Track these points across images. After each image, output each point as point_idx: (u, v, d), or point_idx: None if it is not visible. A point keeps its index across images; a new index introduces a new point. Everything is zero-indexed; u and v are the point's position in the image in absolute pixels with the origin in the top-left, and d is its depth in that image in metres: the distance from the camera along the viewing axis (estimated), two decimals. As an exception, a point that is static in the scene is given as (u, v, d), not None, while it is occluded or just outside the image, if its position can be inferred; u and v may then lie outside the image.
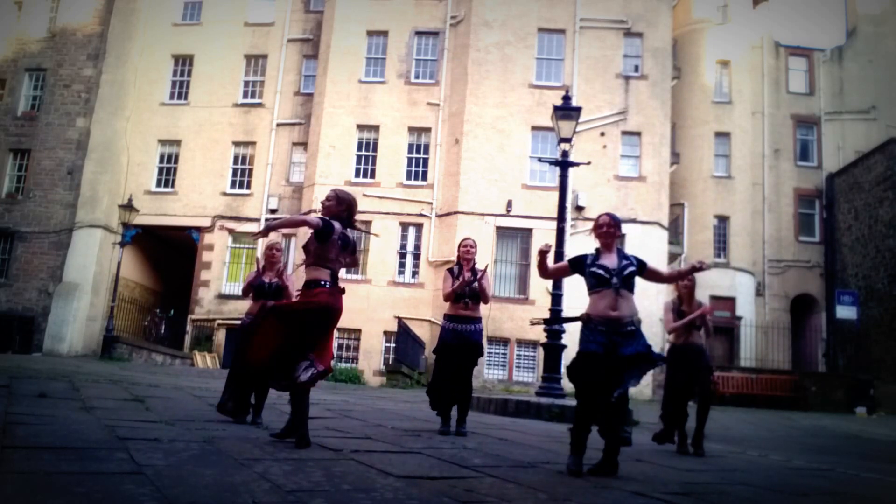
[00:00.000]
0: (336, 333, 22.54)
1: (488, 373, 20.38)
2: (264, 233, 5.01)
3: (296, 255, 21.57)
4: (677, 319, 6.58)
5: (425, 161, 22.46)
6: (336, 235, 4.66)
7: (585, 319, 4.53)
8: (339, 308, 4.66)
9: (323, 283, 4.59)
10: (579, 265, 4.69)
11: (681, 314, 6.60)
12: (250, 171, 23.84)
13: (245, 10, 24.99)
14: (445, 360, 6.48)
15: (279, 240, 19.67)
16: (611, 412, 4.36)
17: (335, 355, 21.04)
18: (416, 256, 21.93)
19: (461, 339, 6.43)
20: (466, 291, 6.46)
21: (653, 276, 4.85)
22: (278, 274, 6.44)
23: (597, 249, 4.71)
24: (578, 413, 4.47)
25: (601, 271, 4.53)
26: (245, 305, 6.75)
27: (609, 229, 4.67)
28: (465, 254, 6.61)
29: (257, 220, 23.02)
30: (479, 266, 6.67)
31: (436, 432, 6.27)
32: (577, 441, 4.40)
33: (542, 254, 4.76)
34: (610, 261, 4.57)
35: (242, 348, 5.38)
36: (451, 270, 6.63)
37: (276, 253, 6.59)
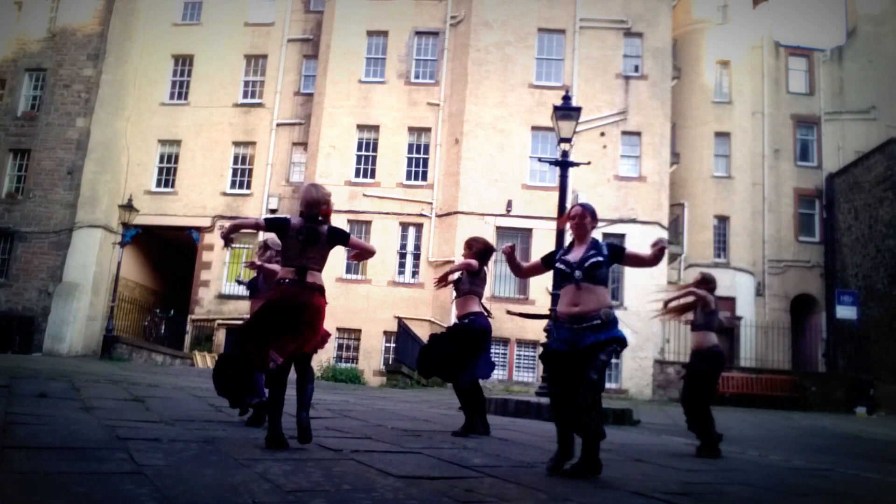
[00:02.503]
0: (336, 333, 22.33)
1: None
2: (225, 243, 4.91)
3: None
4: (696, 321, 6.50)
5: (425, 161, 22.46)
6: (292, 232, 4.58)
7: (553, 316, 4.44)
8: (302, 302, 4.51)
9: (282, 281, 4.57)
10: (550, 261, 4.53)
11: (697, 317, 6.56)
12: (250, 171, 23.86)
13: (245, 10, 25.00)
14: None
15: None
16: (579, 408, 4.19)
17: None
18: (416, 256, 21.94)
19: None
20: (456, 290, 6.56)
21: (634, 261, 4.58)
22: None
23: (571, 242, 4.51)
24: (552, 411, 4.38)
25: (563, 266, 4.34)
26: (245, 306, 6.76)
27: (580, 220, 4.42)
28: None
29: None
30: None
31: (436, 432, 6.27)
32: (559, 439, 4.30)
33: (508, 254, 4.66)
34: (576, 254, 4.36)
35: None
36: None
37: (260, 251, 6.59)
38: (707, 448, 6.17)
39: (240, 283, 6.89)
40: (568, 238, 4.89)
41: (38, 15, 24.74)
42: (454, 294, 6.57)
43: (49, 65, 24.12)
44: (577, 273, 4.27)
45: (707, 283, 6.62)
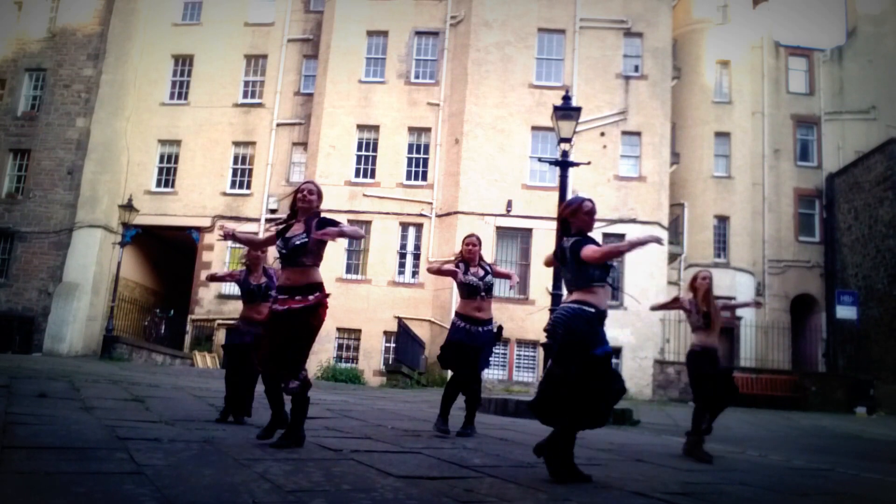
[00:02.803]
0: (336, 333, 22.31)
1: (488, 373, 20.38)
2: (356, 234, 4.71)
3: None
4: (695, 318, 6.47)
5: (425, 161, 22.46)
6: None
7: (601, 316, 4.09)
8: None
9: (321, 286, 4.57)
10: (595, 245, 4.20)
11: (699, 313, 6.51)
12: (250, 171, 23.85)
13: (245, 10, 24.99)
14: (457, 357, 6.29)
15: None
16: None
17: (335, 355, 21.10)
18: (416, 256, 21.93)
19: (473, 339, 6.23)
20: (481, 286, 6.28)
21: None
22: (265, 272, 6.30)
23: (587, 237, 4.24)
24: (584, 416, 4.05)
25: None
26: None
27: (593, 217, 4.32)
28: (468, 253, 6.39)
29: (257, 220, 23.02)
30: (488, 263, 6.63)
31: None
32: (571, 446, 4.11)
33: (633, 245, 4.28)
34: None
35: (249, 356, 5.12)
36: (458, 265, 6.41)
37: (258, 254, 6.32)
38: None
39: (216, 279, 6.79)
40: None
41: (38, 15, 24.73)
42: (485, 294, 6.36)
43: (49, 65, 24.10)
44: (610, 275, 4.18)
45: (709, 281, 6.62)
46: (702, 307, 6.37)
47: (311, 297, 4.46)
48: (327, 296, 4.56)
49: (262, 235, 21.00)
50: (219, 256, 23.19)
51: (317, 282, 4.53)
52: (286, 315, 4.45)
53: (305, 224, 4.57)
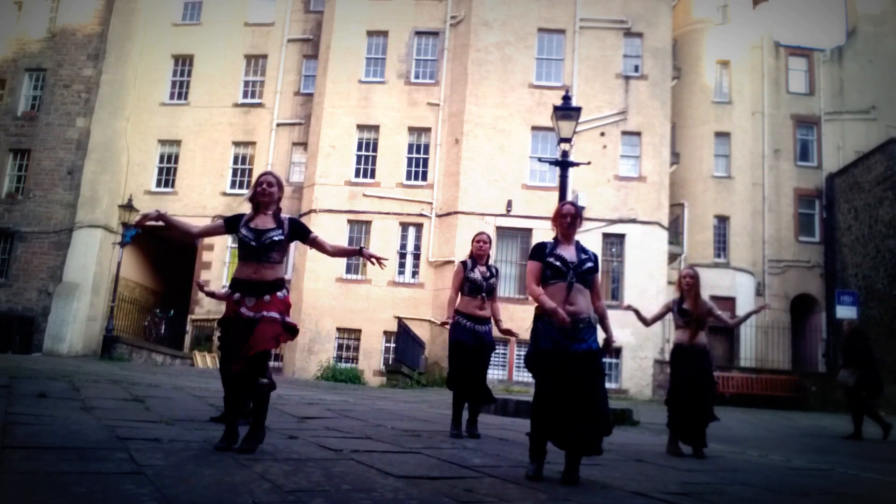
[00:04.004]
0: (336, 333, 22.21)
1: (488, 373, 20.33)
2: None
3: (296, 254, 21.57)
4: (678, 318, 6.56)
5: (425, 161, 22.46)
6: None
7: (538, 315, 4.26)
8: None
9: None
10: (538, 254, 4.40)
11: (682, 312, 6.55)
12: (250, 171, 23.85)
13: (245, 10, 25.00)
14: (462, 357, 6.32)
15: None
16: (573, 411, 4.08)
17: (336, 355, 21.10)
18: (416, 256, 21.93)
19: (478, 340, 6.30)
20: (484, 286, 6.33)
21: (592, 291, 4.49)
22: None
23: (555, 238, 4.46)
24: (535, 415, 4.19)
25: (558, 263, 4.27)
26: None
27: (572, 219, 4.42)
28: (479, 250, 6.45)
29: (257, 220, 23.00)
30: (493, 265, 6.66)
31: (436, 432, 6.27)
32: (534, 446, 4.16)
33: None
34: (568, 253, 4.34)
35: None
36: (464, 263, 6.50)
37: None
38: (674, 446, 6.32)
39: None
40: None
41: (38, 15, 24.74)
42: (486, 296, 6.40)
43: (49, 65, 24.11)
44: (571, 274, 4.27)
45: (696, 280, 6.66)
46: (687, 308, 6.48)
47: (279, 294, 4.33)
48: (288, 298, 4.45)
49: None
50: (219, 256, 23.20)
51: (283, 277, 4.48)
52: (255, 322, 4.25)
53: (275, 219, 4.49)
